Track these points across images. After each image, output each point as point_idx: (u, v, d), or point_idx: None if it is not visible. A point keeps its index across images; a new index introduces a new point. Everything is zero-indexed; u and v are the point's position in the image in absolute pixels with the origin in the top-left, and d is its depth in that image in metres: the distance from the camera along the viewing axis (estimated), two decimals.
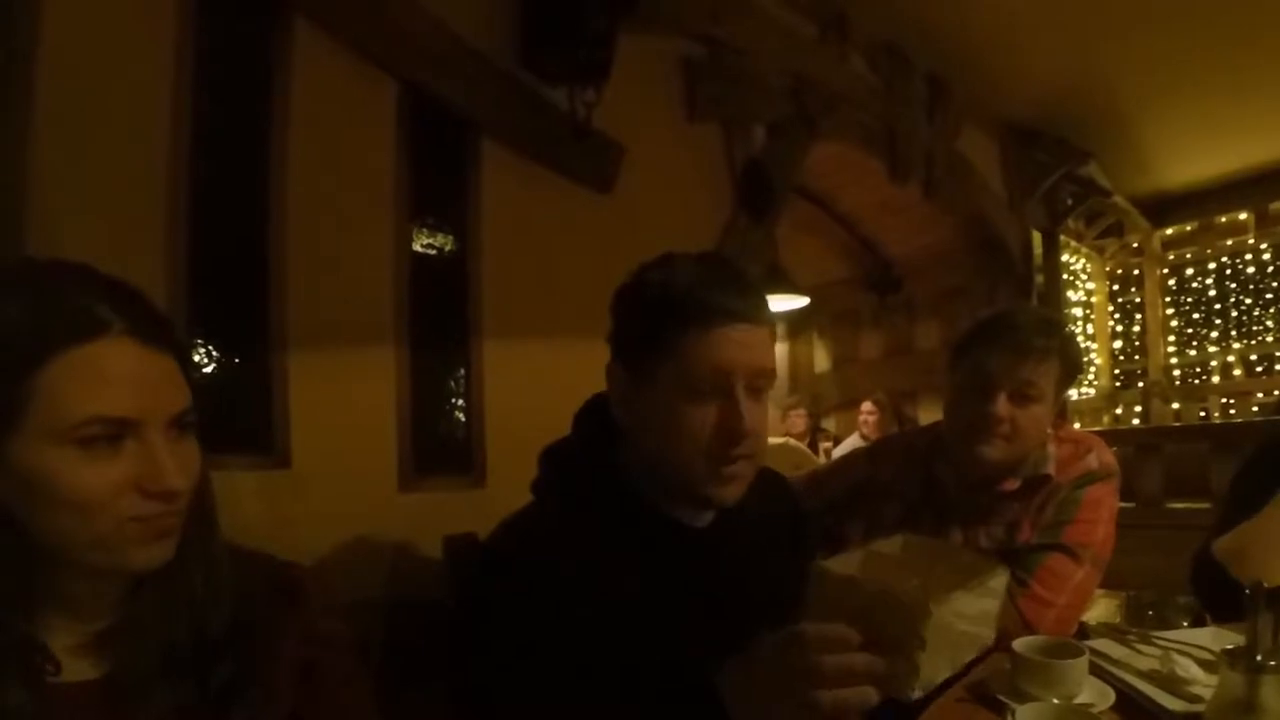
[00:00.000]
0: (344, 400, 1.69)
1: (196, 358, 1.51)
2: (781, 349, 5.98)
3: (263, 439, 1.58)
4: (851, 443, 4.30)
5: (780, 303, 3.92)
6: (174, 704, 0.65)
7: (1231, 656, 0.78)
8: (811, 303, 4.11)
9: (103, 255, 0.69)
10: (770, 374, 0.88)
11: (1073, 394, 5.39)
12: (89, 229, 1.32)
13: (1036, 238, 4.81)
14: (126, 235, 1.40)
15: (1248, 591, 0.79)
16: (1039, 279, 4.78)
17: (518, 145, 2.04)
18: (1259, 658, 0.76)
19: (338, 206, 1.71)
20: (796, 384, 5.81)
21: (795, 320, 5.61)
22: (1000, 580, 0.77)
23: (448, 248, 1.97)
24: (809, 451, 4.19)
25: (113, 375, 0.61)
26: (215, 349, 1.56)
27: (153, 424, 0.63)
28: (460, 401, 1.97)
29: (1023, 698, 0.95)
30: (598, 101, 2.06)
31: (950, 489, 1.44)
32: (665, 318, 0.85)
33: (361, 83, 1.76)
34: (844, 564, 0.71)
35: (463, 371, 1.97)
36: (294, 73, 1.64)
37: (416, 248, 1.89)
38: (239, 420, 1.58)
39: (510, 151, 2.02)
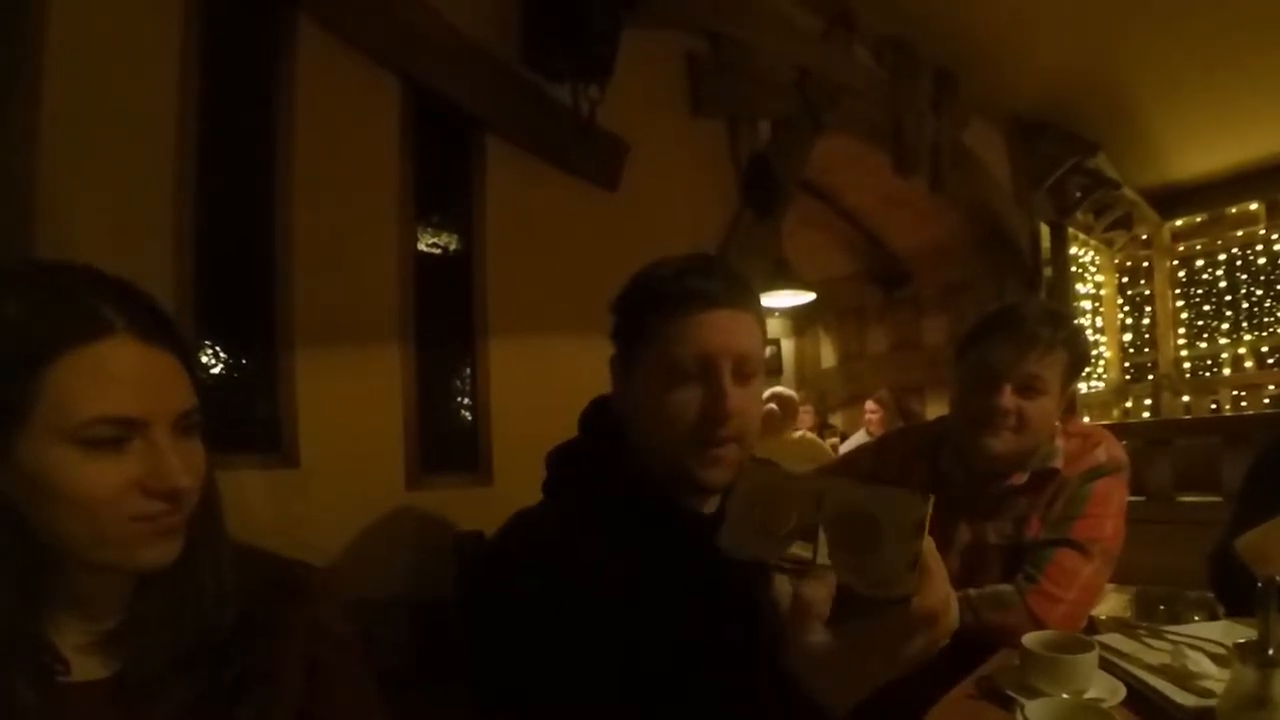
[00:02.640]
0: (350, 399, 1.70)
1: (204, 357, 1.52)
2: (788, 345, 5.96)
3: (270, 438, 1.59)
4: (858, 439, 4.28)
5: (786, 298, 3.91)
6: (182, 703, 0.65)
7: (1243, 651, 0.78)
8: (818, 298, 4.09)
9: (109, 255, 0.69)
10: (756, 359, 0.89)
11: (1081, 387, 5.37)
12: (96, 229, 1.33)
13: (1044, 231, 4.78)
14: (133, 235, 1.41)
15: (1259, 585, 0.78)
16: (1047, 272, 4.75)
17: (522, 142, 2.04)
18: (1270, 652, 0.75)
19: (343, 205, 1.72)
20: (803, 379, 5.79)
21: (801, 316, 5.59)
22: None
23: (452, 246, 1.97)
24: (826, 446, 4.17)
25: (118, 375, 0.61)
26: (222, 348, 1.56)
27: (158, 424, 0.63)
28: (466, 400, 1.98)
29: (1032, 693, 0.95)
30: (601, 98, 2.06)
31: (957, 483, 1.43)
32: (648, 306, 0.89)
33: (366, 81, 1.77)
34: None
35: (468, 370, 1.98)
36: (299, 71, 1.65)
37: (421, 246, 1.90)
38: (246, 419, 1.59)
39: (515, 149, 2.03)
